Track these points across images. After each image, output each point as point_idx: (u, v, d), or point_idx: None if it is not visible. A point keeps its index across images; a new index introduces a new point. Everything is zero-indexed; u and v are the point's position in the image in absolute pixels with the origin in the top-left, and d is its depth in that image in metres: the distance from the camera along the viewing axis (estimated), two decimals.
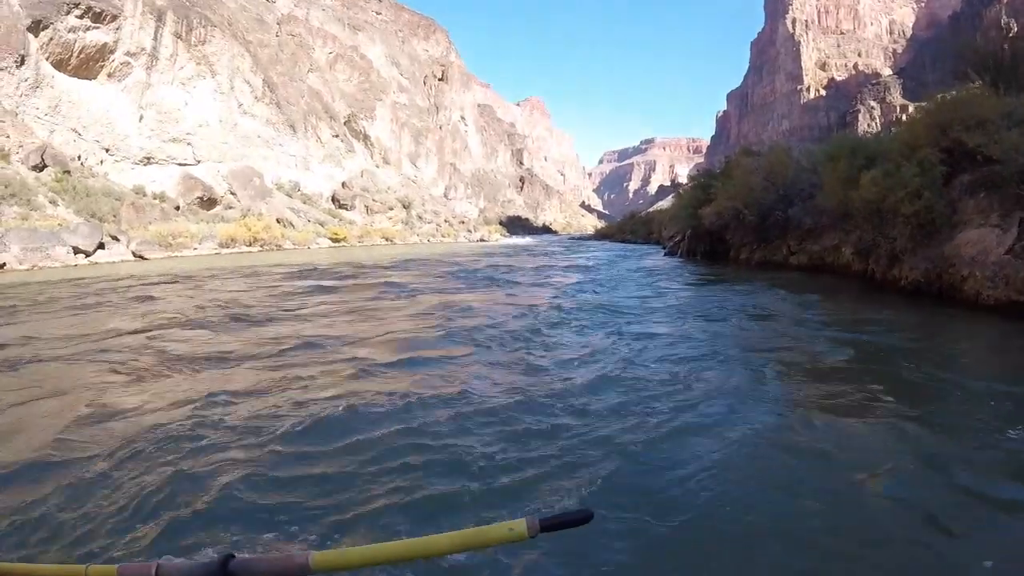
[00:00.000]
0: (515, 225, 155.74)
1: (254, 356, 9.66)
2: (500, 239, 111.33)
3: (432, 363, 9.04)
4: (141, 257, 43.18)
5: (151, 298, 17.78)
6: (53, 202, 45.42)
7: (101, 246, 41.08)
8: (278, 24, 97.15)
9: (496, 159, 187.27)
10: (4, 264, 33.25)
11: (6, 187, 42.77)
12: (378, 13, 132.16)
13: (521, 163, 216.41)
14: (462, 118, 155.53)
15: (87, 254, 39.43)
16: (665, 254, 42.11)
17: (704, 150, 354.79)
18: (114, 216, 47.86)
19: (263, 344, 10.66)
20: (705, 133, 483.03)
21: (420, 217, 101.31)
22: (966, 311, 13.52)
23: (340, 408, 6.60)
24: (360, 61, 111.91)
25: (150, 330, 12.41)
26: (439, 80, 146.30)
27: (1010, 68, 20.03)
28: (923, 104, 23.60)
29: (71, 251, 38.32)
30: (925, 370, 8.32)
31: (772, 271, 24.93)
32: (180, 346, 10.68)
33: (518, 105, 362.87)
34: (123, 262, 40.76)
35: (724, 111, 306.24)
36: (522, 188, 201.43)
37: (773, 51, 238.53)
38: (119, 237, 43.94)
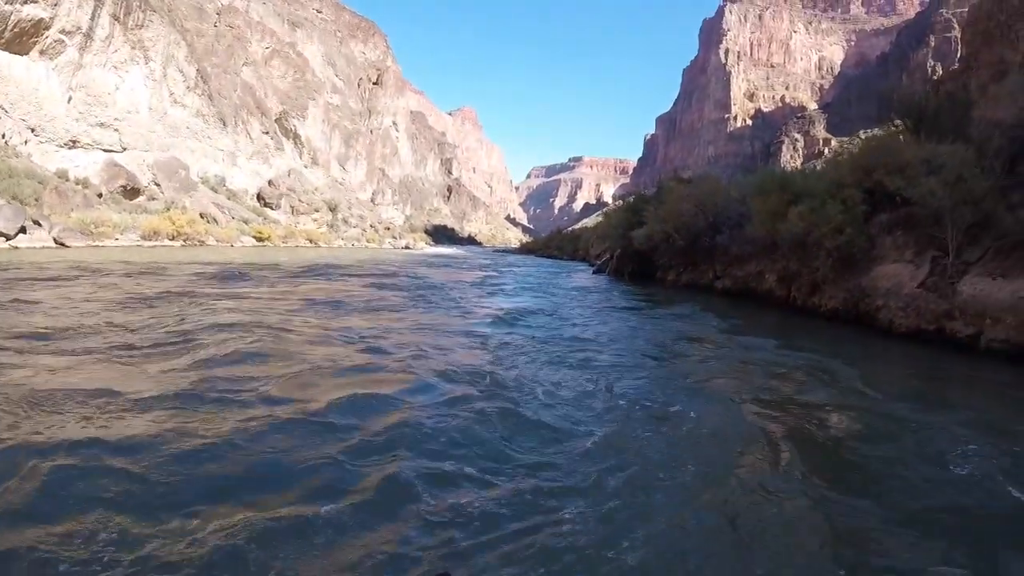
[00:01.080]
0: (440, 234, 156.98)
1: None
2: (425, 248, 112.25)
3: (367, 410, 7.50)
4: (62, 244, 42.33)
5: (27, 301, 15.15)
6: None
7: (23, 230, 40.25)
8: (217, 14, 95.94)
9: (425, 167, 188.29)
10: None
11: None
12: (319, 11, 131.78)
13: (450, 172, 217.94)
14: (394, 123, 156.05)
15: (7, 237, 38.44)
16: (594, 272, 43.27)
17: (631, 171, 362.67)
18: (36, 200, 46.68)
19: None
20: (632, 154, 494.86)
21: (346, 221, 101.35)
22: (880, 337, 15.51)
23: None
24: (296, 59, 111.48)
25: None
26: (374, 84, 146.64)
27: (932, 116, 21.22)
28: (845, 140, 26.24)
29: None
30: (830, 381, 10.53)
31: (699, 293, 26.54)
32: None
33: (450, 114, 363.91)
34: (43, 248, 39.92)
35: (652, 134, 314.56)
36: (449, 197, 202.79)
37: (704, 79, 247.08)
38: (41, 222, 42.92)
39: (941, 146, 17.12)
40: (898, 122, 23.61)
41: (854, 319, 17.12)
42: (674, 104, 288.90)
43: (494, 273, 41.92)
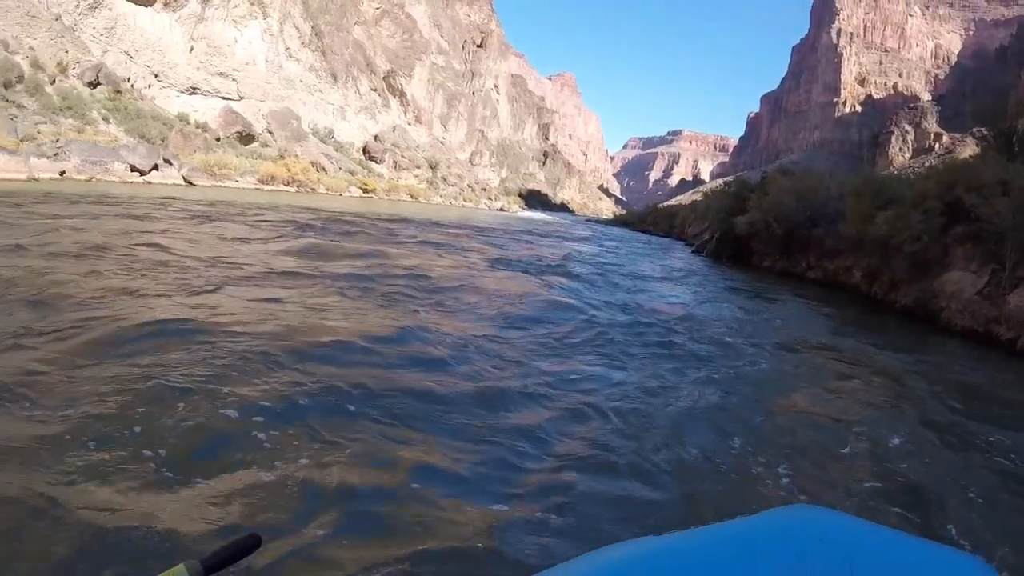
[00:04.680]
0: (533, 199, 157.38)
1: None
2: (519, 211, 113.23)
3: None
4: (190, 183, 45.12)
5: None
6: (105, 119, 47.45)
7: (155, 167, 43.15)
8: None
9: (523, 131, 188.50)
10: (64, 172, 35.14)
11: (64, 99, 44.82)
12: None
13: (547, 138, 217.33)
14: (495, 86, 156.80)
15: (142, 173, 41.41)
16: (692, 251, 43.67)
17: (731, 149, 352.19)
18: (162, 140, 49.80)
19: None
20: (733, 132, 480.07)
21: (444, 179, 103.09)
22: (941, 333, 17.01)
23: None
24: (405, 19, 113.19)
25: None
26: (477, 46, 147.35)
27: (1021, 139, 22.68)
28: (957, 136, 26.79)
29: (128, 168, 40.35)
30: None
31: (792, 282, 27.12)
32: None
33: (550, 79, 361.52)
34: (173, 184, 42.79)
35: (756, 113, 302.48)
36: (544, 163, 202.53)
37: (814, 59, 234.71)
38: (172, 161, 45.85)
39: (1015, 166, 18.64)
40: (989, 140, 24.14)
41: (921, 316, 18.76)
42: (781, 83, 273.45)
43: (609, 246, 41.96)
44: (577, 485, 4.91)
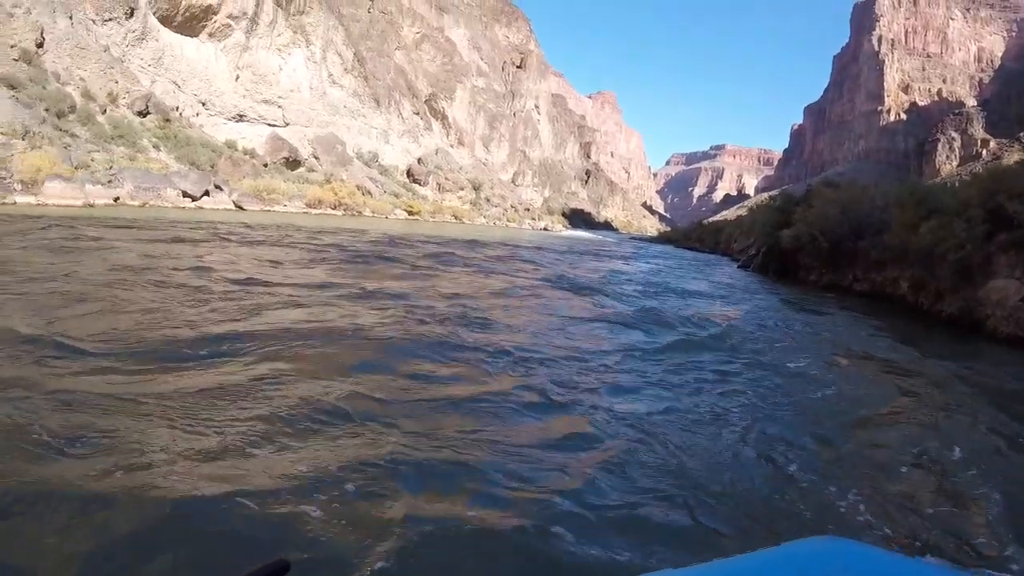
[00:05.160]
0: (577, 218, 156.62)
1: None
2: (562, 230, 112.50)
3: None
4: (240, 207, 45.80)
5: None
6: (156, 147, 48.39)
7: (206, 193, 43.87)
8: (371, 1, 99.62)
9: (565, 150, 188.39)
10: (118, 198, 35.99)
11: (115, 128, 45.84)
12: None
13: (588, 156, 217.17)
14: (536, 107, 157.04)
15: (194, 198, 42.25)
16: (739, 267, 43.02)
17: (775, 163, 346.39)
18: (211, 167, 50.58)
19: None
20: (777, 145, 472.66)
21: (488, 200, 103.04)
22: (987, 341, 16.75)
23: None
24: (444, 43, 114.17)
25: None
26: (517, 67, 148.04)
27: None
28: (1004, 142, 25.96)
29: (180, 194, 41.18)
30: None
31: (838, 295, 26.41)
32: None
33: (590, 98, 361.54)
34: (224, 209, 43.56)
35: (800, 125, 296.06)
36: (587, 181, 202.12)
37: (856, 68, 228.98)
38: (222, 187, 46.56)
39: None
40: None
41: (967, 325, 18.52)
42: (824, 93, 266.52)
43: (655, 263, 41.16)
44: (631, 509, 4.67)
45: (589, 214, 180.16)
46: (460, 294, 14.58)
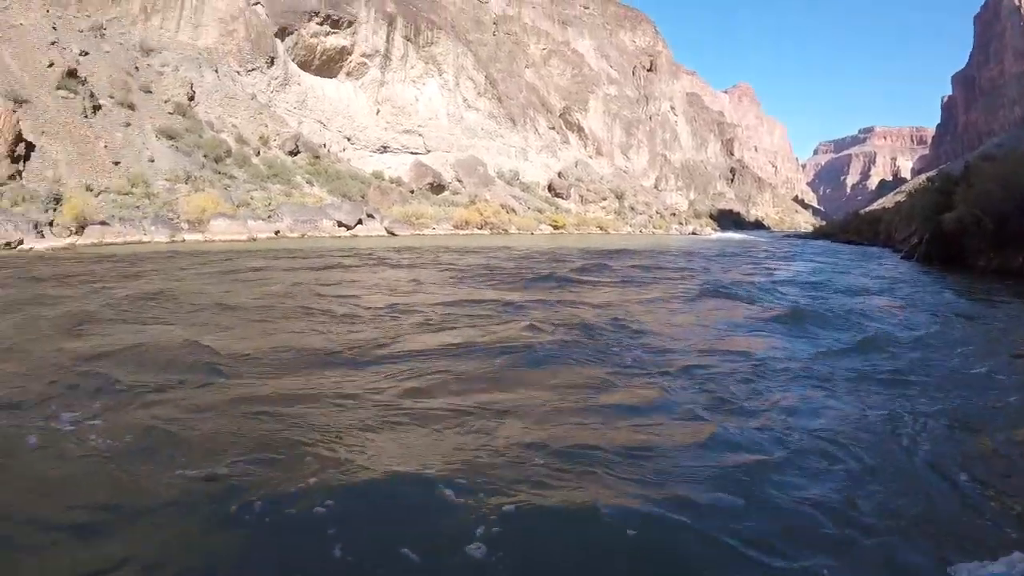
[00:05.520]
0: (725, 219, 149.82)
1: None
2: (712, 233, 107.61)
3: None
4: (392, 233, 47.34)
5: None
6: (309, 182, 51.10)
7: (359, 222, 45.69)
8: (494, 24, 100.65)
9: (706, 150, 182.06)
10: (278, 231, 38.61)
11: (269, 167, 49.01)
12: (585, 7, 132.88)
13: (731, 154, 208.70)
14: (671, 108, 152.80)
15: (348, 228, 44.32)
16: (901, 258, 38.59)
17: (929, 141, 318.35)
18: (362, 197, 52.77)
19: None
20: (929, 121, 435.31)
21: (632, 208, 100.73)
22: None
23: None
24: (571, 55, 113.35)
25: None
26: (647, 70, 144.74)
27: None
28: None
29: (335, 224, 43.40)
30: None
31: (1011, 280, 22.46)
32: None
33: (726, 92, 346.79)
34: (379, 236, 45.17)
35: (949, 96, 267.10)
36: (732, 180, 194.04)
37: (999, 26, 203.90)
38: (374, 215, 48.63)
39: None
40: None
41: None
42: (969, 59, 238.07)
43: (812, 262, 37.44)
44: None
45: (738, 214, 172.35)
46: (611, 303, 13.67)
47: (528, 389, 6.65)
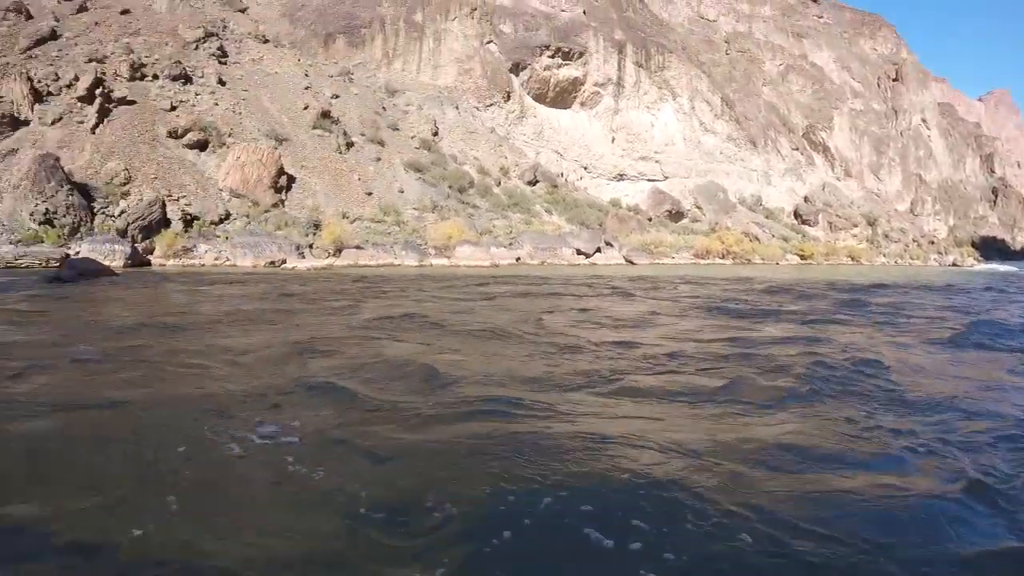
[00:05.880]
0: (989, 247, 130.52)
1: None
2: (975, 264, 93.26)
3: None
4: (630, 262, 45.36)
5: None
6: (548, 211, 51.36)
7: (598, 250, 45.14)
8: (725, 43, 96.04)
9: (964, 167, 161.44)
10: (519, 258, 39.30)
11: (510, 197, 50.07)
12: (819, 17, 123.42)
13: (992, 171, 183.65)
14: (923, 121, 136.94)
15: (587, 255, 43.61)
16: None
17: None
18: (599, 225, 51.93)
19: None
20: None
21: (886, 235, 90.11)
22: None
23: None
24: (810, 69, 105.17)
25: None
26: (893, 80, 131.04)
27: None
28: None
29: (574, 252, 42.83)
30: None
31: None
32: None
33: (980, 100, 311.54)
34: (617, 264, 43.57)
35: None
36: (995, 202, 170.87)
37: None
38: (612, 243, 48.04)
39: None
40: None
41: None
42: None
43: None
44: None
45: (1002, 241, 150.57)
46: (855, 344, 11.05)
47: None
